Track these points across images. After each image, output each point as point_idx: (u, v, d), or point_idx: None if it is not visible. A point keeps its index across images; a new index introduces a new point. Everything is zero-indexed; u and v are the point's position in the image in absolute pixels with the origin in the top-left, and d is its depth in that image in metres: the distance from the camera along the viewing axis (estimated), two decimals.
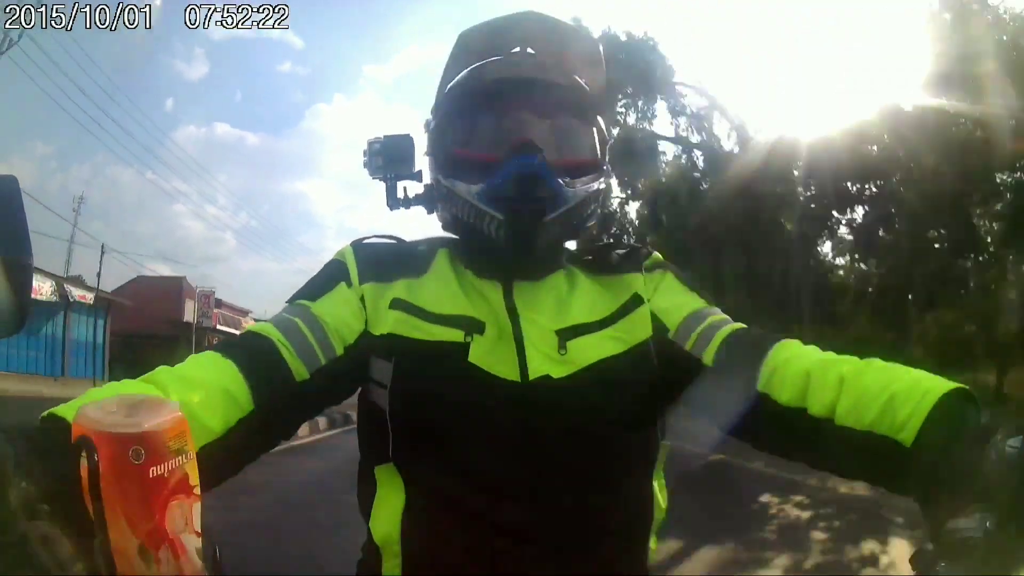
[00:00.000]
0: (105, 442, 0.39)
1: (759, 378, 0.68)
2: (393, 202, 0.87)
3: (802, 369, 0.66)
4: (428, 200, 0.85)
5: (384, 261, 0.78)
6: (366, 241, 0.82)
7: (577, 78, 0.81)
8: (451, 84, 0.82)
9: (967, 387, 0.58)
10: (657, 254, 0.85)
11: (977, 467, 0.50)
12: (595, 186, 0.78)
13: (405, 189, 0.88)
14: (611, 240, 0.89)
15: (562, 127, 0.77)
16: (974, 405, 0.56)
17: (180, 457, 0.41)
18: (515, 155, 0.72)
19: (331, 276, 0.77)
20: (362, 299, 0.75)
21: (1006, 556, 0.45)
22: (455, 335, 0.72)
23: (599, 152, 0.80)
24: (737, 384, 0.69)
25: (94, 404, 0.42)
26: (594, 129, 0.80)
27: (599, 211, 0.81)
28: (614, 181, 13.12)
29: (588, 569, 0.70)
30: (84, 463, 0.39)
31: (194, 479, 0.42)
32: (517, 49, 0.82)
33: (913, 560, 0.50)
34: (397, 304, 0.74)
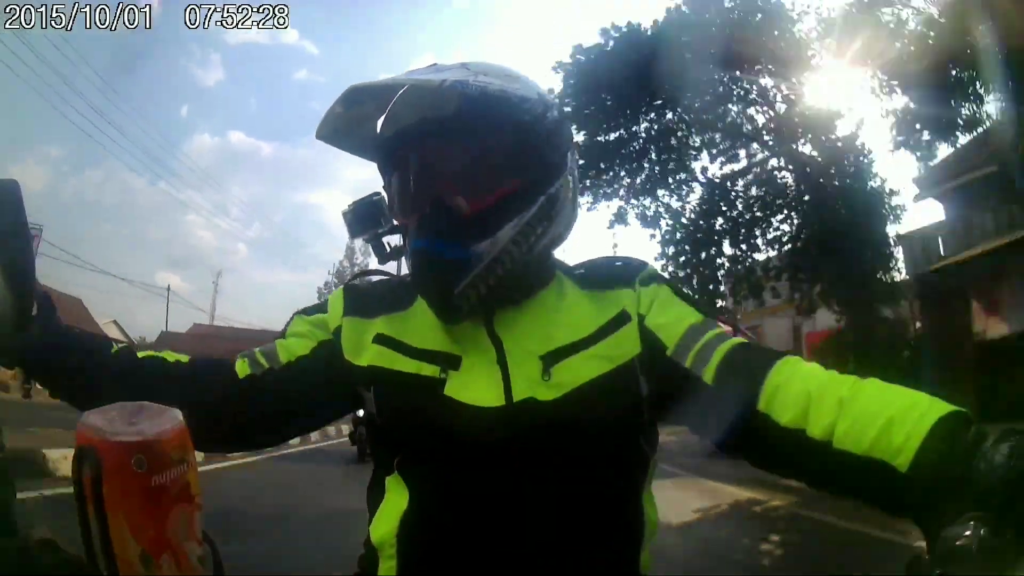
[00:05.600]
0: (108, 451, 0.39)
1: (760, 398, 0.67)
2: (382, 257, 0.86)
3: (804, 390, 0.65)
4: None
5: (369, 298, 0.82)
6: (358, 282, 0.86)
7: (484, 79, 0.71)
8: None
9: (964, 410, 0.57)
10: (652, 267, 0.84)
11: (972, 487, 0.50)
12: (527, 215, 0.72)
13: (388, 244, 0.86)
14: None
15: (477, 157, 0.72)
16: (970, 427, 0.56)
17: (182, 466, 0.41)
18: (415, 238, 0.73)
19: (318, 309, 0.83)
20: (338, 330, 0.79)
21: (1000, 564, 0.45)
22: (431, 370, 0.74)
23: (532, 162, 0.74)
24: (737, 403, 0.68)
25: (96, 412, 0.42)
26: (522, 139, 0.73)
27: (555, 218, 0.75)
28: None
29: None
30: (87, 471, 0.40)
31: (195, 488, 0.42)
32: (404, 88, 0.72)
33: (908, 568, 0.50)
34: (379, 339, 0.77)
